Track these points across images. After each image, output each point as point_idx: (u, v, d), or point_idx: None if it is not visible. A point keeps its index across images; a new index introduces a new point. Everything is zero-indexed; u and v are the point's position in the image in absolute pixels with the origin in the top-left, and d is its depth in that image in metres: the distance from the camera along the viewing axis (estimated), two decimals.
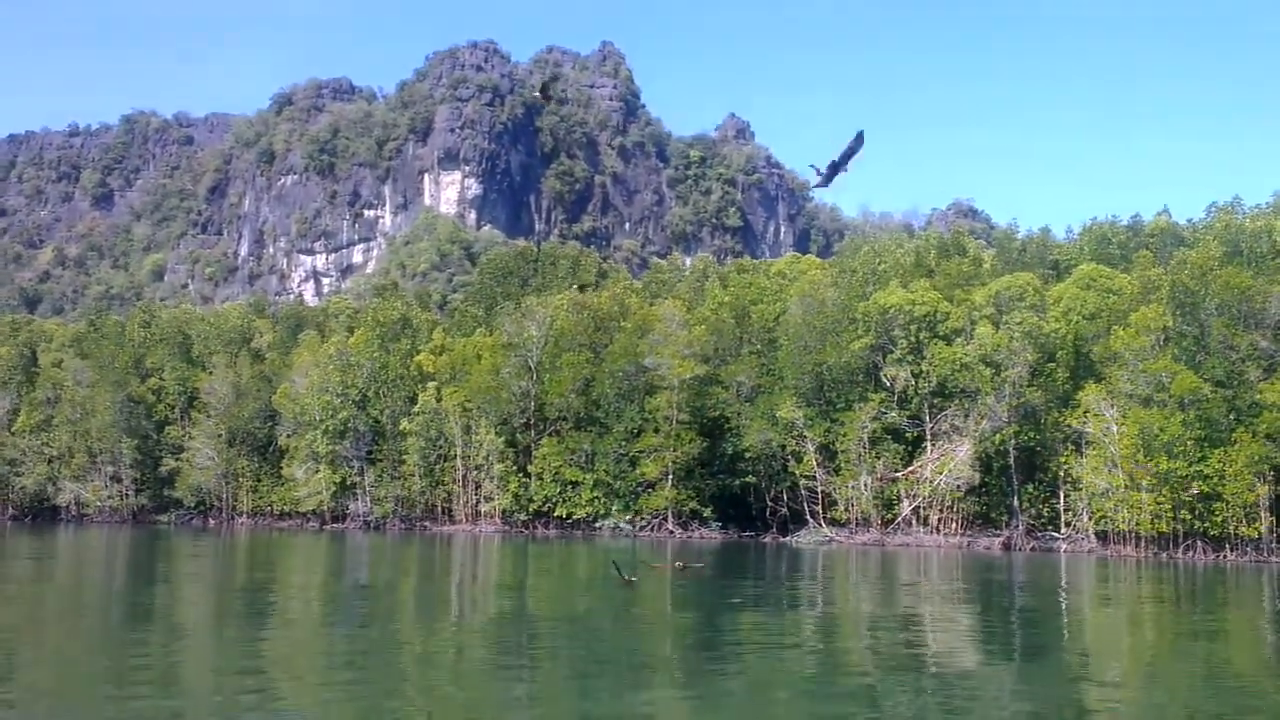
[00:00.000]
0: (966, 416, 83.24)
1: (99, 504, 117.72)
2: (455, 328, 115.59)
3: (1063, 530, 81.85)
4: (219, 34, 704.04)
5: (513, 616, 35.11)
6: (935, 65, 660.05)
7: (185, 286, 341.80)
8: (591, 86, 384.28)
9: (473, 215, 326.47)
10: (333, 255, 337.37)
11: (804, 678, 23.40)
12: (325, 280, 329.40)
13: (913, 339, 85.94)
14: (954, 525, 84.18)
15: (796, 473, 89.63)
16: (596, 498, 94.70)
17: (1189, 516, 73.08)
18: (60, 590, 42.63)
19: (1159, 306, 78.76)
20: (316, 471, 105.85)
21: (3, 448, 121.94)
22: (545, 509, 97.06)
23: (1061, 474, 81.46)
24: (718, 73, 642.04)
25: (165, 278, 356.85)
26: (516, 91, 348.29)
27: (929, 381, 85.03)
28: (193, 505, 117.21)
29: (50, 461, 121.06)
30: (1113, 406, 76.63)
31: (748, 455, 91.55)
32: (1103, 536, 78.68)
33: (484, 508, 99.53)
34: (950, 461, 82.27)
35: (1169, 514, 73.20)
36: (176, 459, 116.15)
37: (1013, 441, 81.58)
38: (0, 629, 29.66)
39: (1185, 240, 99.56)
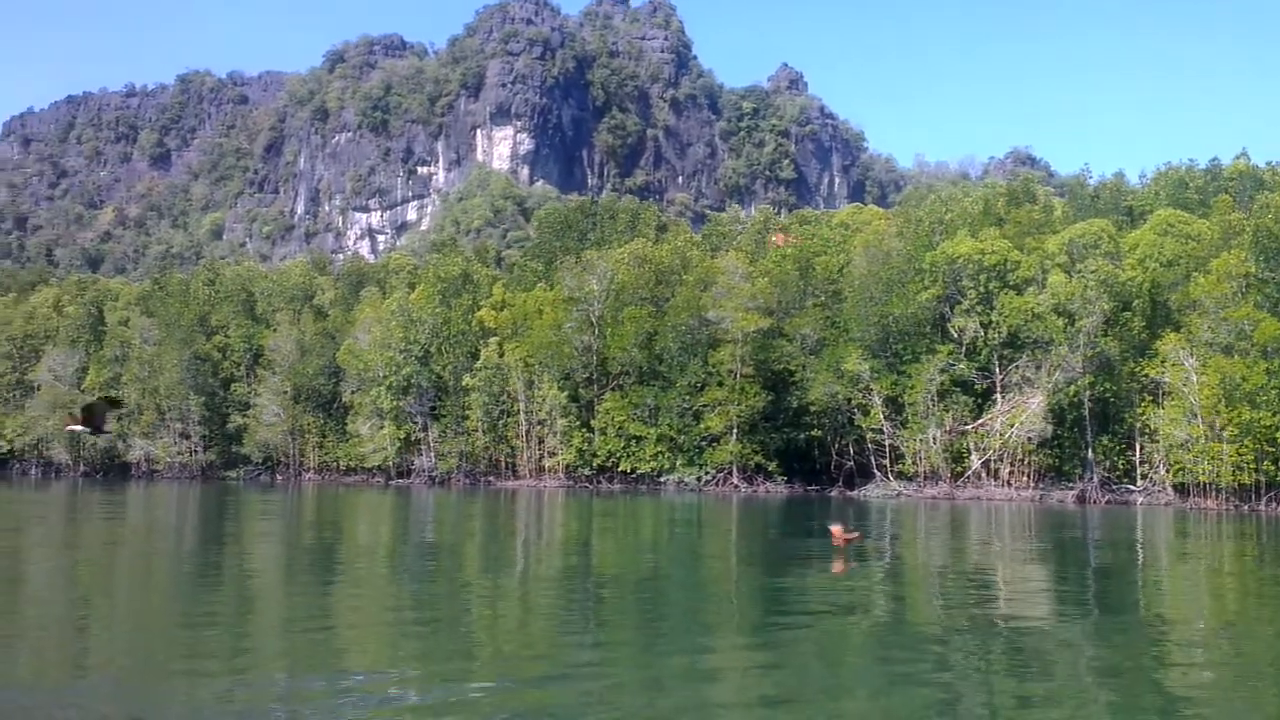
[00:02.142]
0: (1038, 368, 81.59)
1: (169, 460, 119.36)
2: (515, 283, 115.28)
3: (1139, 483, 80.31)
4: None
5: (579, 570, 34.87)
6: (991, 10, 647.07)
7: (243, 245, 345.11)
8: (642, 39, 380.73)
9: (525, 170, 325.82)
10: (387, 212, 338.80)
11: (873, 631, 22.76)
12: (380, 238, 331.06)
13: (982, 289, 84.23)
14: (1026, 478, 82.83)
15: (863, 426, 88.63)
16: (660, 452, 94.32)
17: (1272, 468, 71.28)
18: (136, 541, 43.10)
19: (1240, 252, 76.44)
20: (381, 427, 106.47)
21: (73, 405, 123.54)
22: (609, 464, 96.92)
23: (1138, 425, 79.75)
24: (770, 23, 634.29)
25: (224, 236, 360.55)
26: (566, 45, 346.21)
27: (999, 332, 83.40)
28: (260, 461, 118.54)
29: (120, 419, 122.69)
30: (1192, 356, 74.75)
31: (813, 409, 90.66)
32: (1181, 489, 77.07)
33: (548, 463, 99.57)
34: (1022, 413, 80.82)
35: (1250, 465, 71.43)
36: (243, 416, 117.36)
37: (1087, 393, 79.79)
38: (78, 580, 29.92)
39: (1266, 183, 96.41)
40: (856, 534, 42.41)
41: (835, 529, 39.58)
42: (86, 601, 26.13)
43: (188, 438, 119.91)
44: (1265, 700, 16.65)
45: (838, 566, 33.85)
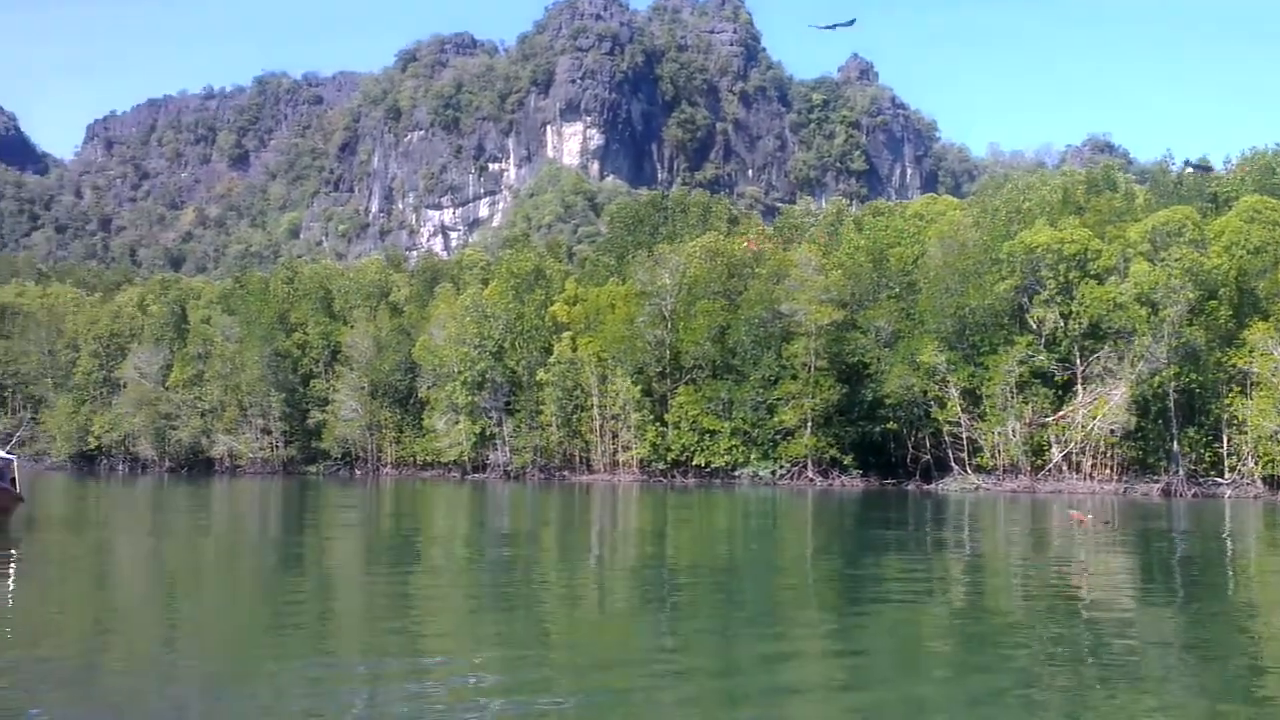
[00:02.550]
0: (1121, 358, 80.00)
1: (251, 456, 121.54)
2: (587, 277, 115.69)
3: (1227, 475, 78.39)
4: None
5: (654, 561, 34.98)
6: None
7: (320, 243, 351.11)
8: (711, 32, 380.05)
9: (595, 166, 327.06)
10: (459, 209, 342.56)
11: (951, 619, 22.51)
12: (453, 234, 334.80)
13: (1062, 279, 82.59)
14: (1109, 471, 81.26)
15: (940, 419, 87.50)
16: (735, 446, 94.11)
17: None
18: (223, 531, 44.14)
19: None
20: (456, 423, 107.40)
21: (159, 402, 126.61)
22: (683, 458, 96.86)
23: (1225, 416, 77.87)
24: (838, 11, 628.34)
25: (300, 235, 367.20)
26: (635, 40, 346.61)
27: (1080, 323, 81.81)
28: (339, 456, 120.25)
29: (203, 415, 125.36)
30: None
31: (888, 401, 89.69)
32: (1270, 481, 75.14)
33: (621, 457, 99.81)
34: (1104, 405, 79.28)
35: None
36: (322, 411, 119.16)
37: (1172, 383, 77.99)
38: (166, 570, 30.74)
39: None
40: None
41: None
42: (174, 586, 26.90)
43: (269, 433, 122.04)
44: None
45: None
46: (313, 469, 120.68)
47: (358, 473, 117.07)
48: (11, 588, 25.17)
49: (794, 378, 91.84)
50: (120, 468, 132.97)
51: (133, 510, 59.03)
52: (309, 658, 17.71)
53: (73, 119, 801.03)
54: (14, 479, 39.60)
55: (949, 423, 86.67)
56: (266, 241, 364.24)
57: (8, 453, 43.38)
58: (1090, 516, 46.12)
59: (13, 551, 32.65)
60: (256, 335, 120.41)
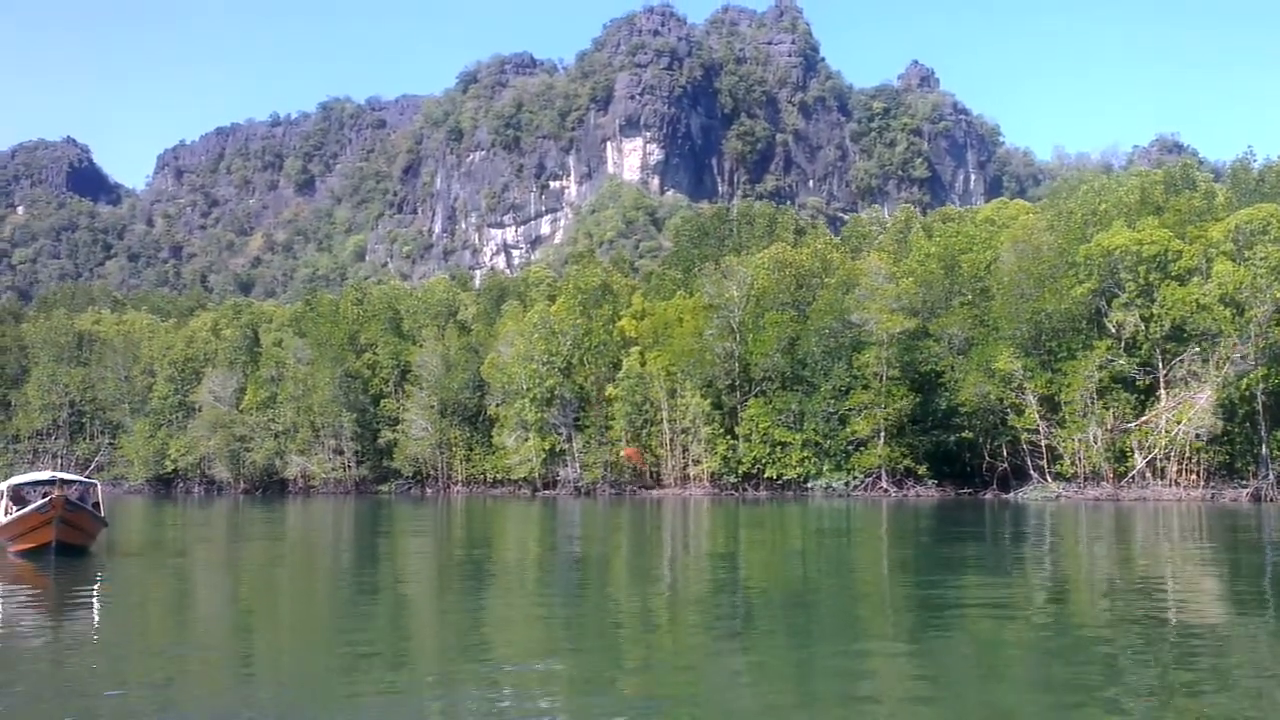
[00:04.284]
0: (1205, 361, 77.80)
1: (324, 476, 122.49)
2: (654, 291, 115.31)
3: None
4: (406, 17, 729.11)
5: (727, 574, 34.25)
6: None
7: (385, 265, 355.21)
8: (769, 44, 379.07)
9: (656, 181, 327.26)
10: (521, 227, 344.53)
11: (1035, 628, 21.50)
12: (515, 252, 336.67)
13: (1141, 281, 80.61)
14: (1195, 477, 78.99)
15: (1017, 426, 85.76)
16: (806, 458, 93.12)
17: None
18: (299, 552, 44.12)
19: None
20: (526, 439, 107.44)
21: (233, 425, 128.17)
22: (754, 470, 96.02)
23: None
24: (898, 19, 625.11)
25: (366, 257, 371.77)
26: (694, 54, 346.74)
27: (1161, 325, 79.75)
28: (410, 475, 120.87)
29: (277, 436, 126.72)
30: None
31: (963, 410, 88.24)
32: None
33: (692, 471, 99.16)
34: (1189, 409, 77.11)
35: None
36: (393, 431, 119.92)
37: (1260, 386, 75.71)
38: (245, 593, 30.68)
39: None
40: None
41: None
42: (253, 609, 26.87)
43: (341, 453, 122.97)
44: None
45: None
46: (384, 488, 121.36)
47: (428, 491, 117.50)
48: (97, 616, 25.11)
49: (866, 387, 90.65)
50: (196, 490, 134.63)
51: (211, 532, 59.50)
52: (382, 685, 17.41)
53: (143, 150, 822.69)
54: (97, 503, 39.86)
55: (1027, 430, 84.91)
56: (333, 265, 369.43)
57: (88, 477, 43.81)
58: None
59: (98, 576, 32.78)
60: (327, 357, 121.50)
